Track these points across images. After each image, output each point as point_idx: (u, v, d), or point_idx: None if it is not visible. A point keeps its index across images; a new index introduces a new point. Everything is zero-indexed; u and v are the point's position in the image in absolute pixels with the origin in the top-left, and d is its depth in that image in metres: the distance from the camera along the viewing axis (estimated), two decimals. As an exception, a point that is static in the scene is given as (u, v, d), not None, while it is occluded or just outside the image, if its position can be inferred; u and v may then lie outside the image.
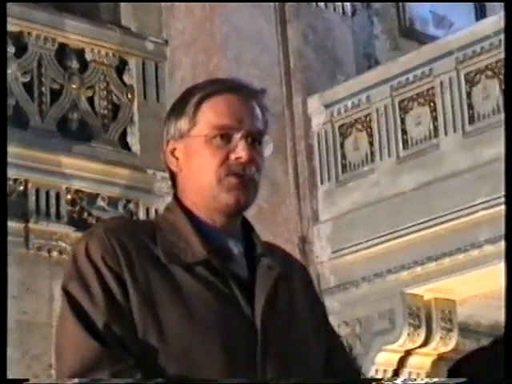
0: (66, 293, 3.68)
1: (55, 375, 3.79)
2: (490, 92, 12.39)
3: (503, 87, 12.08)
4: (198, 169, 3.82)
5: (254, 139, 3.76)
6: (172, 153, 3.85)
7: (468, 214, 11.98)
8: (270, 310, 3.77)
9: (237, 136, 3.74)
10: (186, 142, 3.84)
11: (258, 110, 3.85)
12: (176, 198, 3.90)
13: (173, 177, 3.92)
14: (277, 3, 13.75)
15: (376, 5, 14.66)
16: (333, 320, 12.84)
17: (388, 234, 12.66)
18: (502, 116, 12.03)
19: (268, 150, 3.76)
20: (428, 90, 12.78)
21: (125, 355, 3.64)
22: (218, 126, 3.74)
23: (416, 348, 12.79)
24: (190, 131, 3.81)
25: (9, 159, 11.82)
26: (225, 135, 3.75)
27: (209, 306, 3.71)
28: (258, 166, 3.78)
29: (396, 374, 12.94)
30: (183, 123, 3.83)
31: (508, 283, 5.95)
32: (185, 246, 3.77)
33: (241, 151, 3.71)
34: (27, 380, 4.34)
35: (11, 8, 12.50)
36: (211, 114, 3.80)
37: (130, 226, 4.04)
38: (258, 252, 3.84)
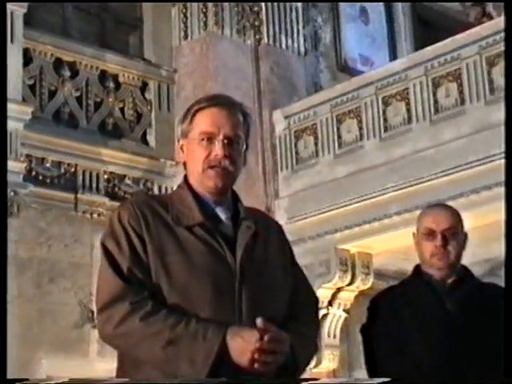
0: (103, 246, 4.01)
1: (95, 303, 4.05)
2: (399, 110, 12.53)
3: (407, 106, 12.56)
4: (193, 161, 4.11)
5: (231, 141, 4.05)
6: (181, 148, 4.19)
7: (382, 194, 12.22)
8: (246, 259, 3.98)
9: (217, 139, 4.03)
10: (187, 141, 4.13)
11: (237, 119, 4.11)
12: (185, 179, 4.19)
13: (183, 163, 4.22)
14: (253, 45, 13.99)
15: (321, 48, 14.83)
16: None
17: (327, 207, 12.89)
18: (408, 126, 12.52)
19: (242, 148, 4.10)
20: (356, 108, 12.92)
21: (141, 290, 3.89)
22: (204, 132, 4.04)
23: (344, 286, 13.06)
24: (189, 134, 4.10)
25: (65, 149, 12.31)
26: (209, 138, 4.03)
27: (202, 255, 3.94)
28: (232, 160, 4.05)
29: (330, 303, 13.19)
30: (185, 127, 4.13)
31: (507, 282, 5.29)
32: (187, 212, 4.02)
33: (218, 150, 4.01)
34: (27, 380, 3.89)
35: (66, 43, 12.91)
36: (200, 123, 4.08)
37: (149, 199, 4.42)
38: (241, 217, 4.11)
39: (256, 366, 3.79)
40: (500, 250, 13.28)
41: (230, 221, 4.14)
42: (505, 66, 5.48)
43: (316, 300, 4.41)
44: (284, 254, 4.31)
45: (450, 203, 11.20)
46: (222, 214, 4.13)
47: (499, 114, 11.42)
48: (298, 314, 4.11)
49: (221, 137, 4.07)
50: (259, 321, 3.78)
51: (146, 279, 3.94)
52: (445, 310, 5.16)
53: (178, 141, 4.26)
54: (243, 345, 3.79)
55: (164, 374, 3.88)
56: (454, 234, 5.19)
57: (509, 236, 5.47)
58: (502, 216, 11.86)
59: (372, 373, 5.27)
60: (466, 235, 5.30)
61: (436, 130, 12.14)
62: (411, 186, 11.95)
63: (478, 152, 11.57)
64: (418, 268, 5.34)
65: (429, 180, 11.81)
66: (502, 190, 11.33)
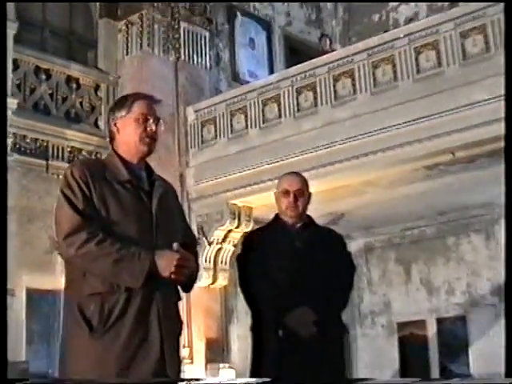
0: (62, 193, 3.99)
1: (55, 235, 4.02)
2: (273, 109, 12.55)
3: (278, 106, 12.68)
4: (129, 134, 4.15)
5: (158, 122, 4.19)
6: (115, 125, 4.19)
7: (260, 166, 12.29)
8: (159, 206, 4.11)
9: (151, 120, 4.16)
10: (123, 119, 4.16)
11: (156, 109, 4.26)
12: (113, 148, 4.24)
13: (111, 138, 4.25)
14: (174, 61, 13.96)
15: (222, 64, 14.91)
16: (194, 214, 13.36)
17: (222, 174, 12.95)
18: (279, 120, 12.60)
19: (162, 127, 4.24)
20: (243, 107, 12.93)
21: (94, 224, 3.92)
22: (143, 114, 4.14)
23: (233, 229, 13.06)
24: (127, 115, 4.14)
25: (40, 130, 12.36)
26: (145, 118, 4.15)
27: (130, 202, 4.03)
28: (157, 134, 4.19)
29: (223, 241, 13.18)
30: (123, 111, 4.16)
31: (507, 285, 5.39)
32: (118, 172, 4.09)
33: (152, 127, 4.15)
34: (27, 380, 3.91)
35: (43, 56, 12.92)
36: (139, 108, 4.15)
37: (92, 161, 4.54)
38: (154, 178, 4.21)
39: (173, 276, 3.96)
40: (338, 206, 13.57)
41: (147, 180, 4.21)
42: (505, 65, 5.40)
43: (195, 240, 4.58)
44: (178, 209, 4.44)
45: (305, 173, 11.52)
46: (142, 175, 4.20)
47: (342, 114, 11.71)
48: (189, 247, 4.18)
49: (153, 119, 4.19)
50: (175, 245, 3.97)
51: (95, 216, 3.96)
52: (294, 245, 5.23)
53: (111, 119, 4.25)
54: (166, 262, 3.93)
55: (105, 285, 3.93)
56: (302, 194, 5.33)
57: (509, 235, 5.52)
58: (341, 183, 12.15)
59: (244, 288, 5.33)
60: (310, 194, 5.42)
61: (297, 123, 12.30)
62: (280, 161, 12.04)
63: (324, 139, 11.77)
64: (276, 216, 5.46)
65: (292, 157, 11.95)
66: (340, 165, 11.72)
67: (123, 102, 4.28)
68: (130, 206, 4.05)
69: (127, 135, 4.18)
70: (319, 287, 5.08)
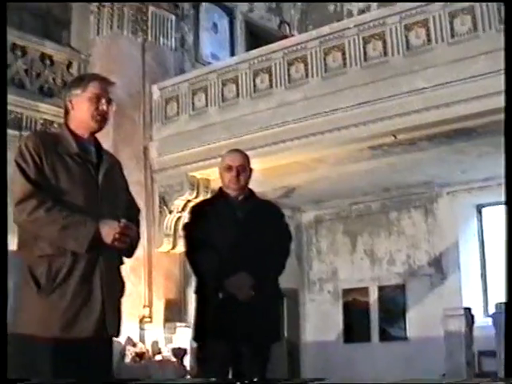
0: (16, 163, 3.99)
1: (12, 200, 3.99)
2: (232, 89, 12.55)
3: (237, 87, 12.71)
4: (82, 111, 4.15)
5: (109, 102, 4.20)
6: (70, 101, 4.19)
7: (218, 142, 12.10)
8: (105, 178, 4.14)
9: (103, 99, 4.17)
10: (78, 97, 4.16)
11: (110, 90, 4.25)
12: (66, 123, 4.24)
13: (65, 113, 4.25)
14: (141, 42, 13.80)
15: (186, 46, 14.71)
16: (156, 184, 13.35)
17: (183, 148, 12.90)
18: (237, 100, 12.63)
19: (113, 108, 4.22)
20: (205, 86, 12.90)
21: (44, 192, 3.95)
22: (96, 93, 4.14)
23: (192, 199, 12.90)
24: (82, 93, 4.14)
25: (15, 103, 12.00)
26: (98, 98, 4.15)
27: (78, 174, 4.06)
28: (109, 114, 4.20)
29: (182, 209, 13.06)
30: (79, 90, 4.17)
31: (508, 284, 5.27)
32: (69, 145, 4.10)
33: (104, 106, 4.17)
34: (28, 380, 3.77)
35: (20, 34, 12.71)
36: (94, 88, 4.16)
37: (45, 134, 4.53)
38: (102, 152, 4.24)
39: (116, 243, 3.99)
40: (290, 181, 13.65)
41: (95, 153, 4.23)
42: (505, 65, 5.37)
43: (138, 212, 4.54)
44: (124, 182, 4.44)
45: (259, 150, 11.58)
46: (91, 149, 4.22)
47: (295, 96, 11.76)
48: (132, 218, 4.23)
49: (105, 99, 4.20)
50: (123, 220, 4.03)
51: (46, 185, 3.99)
52: (236, 215, 5.32)
53: (67, 96, 4.27)
54: (109, 230, 3.96)
55: (53, 248, 3.97)
56: (244, 169, 5.40)
57: (509, 234, 5.51)
58: (293, 160, 12.20)
59: (189, 254, 5.39)
60: (251, 170, 5.48)
61: (254, 103, 12.33)
62: (237, 137, 12.07)
63: (278, 119, 11.83)
64: (220, 189, 5.53)
65: (246, 135, 12.00)
66: (292, 143, 11.78)
67: (80, 81, 4.30)
68: (78, 177, 4.06)
69: (80, 112, 4.18)
70: (257, 254, 5.15)
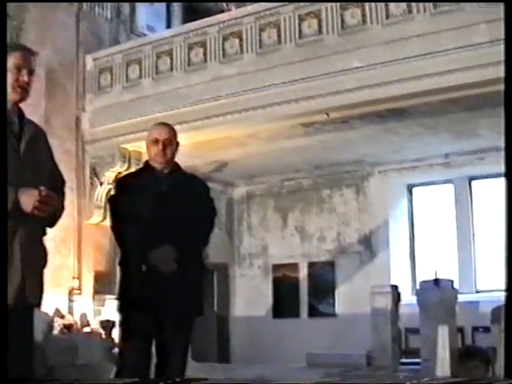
0: None
1: None
2: (166, 61, 12.53)
3: (170, 60, 12.68)
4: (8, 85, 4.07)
5: (32, 72, 4.16)
6: None
7: (151, 114, 11.99)
8: (27, 147, 4.12)
9: (24, 70, 4.11)
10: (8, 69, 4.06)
11: (33, 59, 4.21)
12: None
13: None
14: (76, 11, 13.60)
15: (122, 17, 14.48)
16: (88, 156, 13.26)
17: (115, 120, 12.86)
18: (171, 73, 12.65)
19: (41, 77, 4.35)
20: (139, 58, 12.90)
21: None
22: (16, 64, 4.07)
23: (123, 171, 12.65)
24: (8, 64, 4.03)
25: None
26: (19, 68, 4.09)
27: (10, 142, 4.01)
28: (30, 85, 4.17)
29: (114, 182, 12.50)
30: (8, 62, 4.05)
31: (508, 284, 5.14)
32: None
33: (25, 77, 4.12)
34: (27, 380, 3.83)
35: None
36: (14, 58, 4.08)
37: None
38: (25, 122, 4.19)
39: (35, 212, 3.96)
40: (222, 155, 13.68)
41: (18, 124, 4.20)
42: (505, 65, 5.28)
43: (64, 182, 4.53)
44: (48, 152, 4.40)
45: (191, 123, 11.61)
46: (13, 119, 4.18)
47: (229, 71, 11.79)
48: (56, 188, 4.22)
49: (27, 69, 4.15)
50: (42, 188, 3.98)
51: None
52: (161, 188, 5.29)
53: None
54: (28, 199, 3.93)
55: None
56: (170, 142, 5.38)
57: (509, 232, 5.25)
58: (225, 134, 12.24)
59: (114, 227, 5.38)
60: (178, 144, 5.48)
61: (187, 76, 12.34)
62: (170, 110, 12.04)
63: (211, 93, 11.84)
64: (146, 162, 5.52)
65: (179, 108, 12.00)
66: (224, 118, 11.81)
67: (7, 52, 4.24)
68: (9, 144, 4.04)
69: (8, 85, 4.13)
70: (182, 228, 5.14)
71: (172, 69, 12.51)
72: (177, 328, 5.21)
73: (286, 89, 11.08)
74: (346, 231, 15.89)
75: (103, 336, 12.25)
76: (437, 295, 11.51)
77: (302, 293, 16.22)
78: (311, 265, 16.18)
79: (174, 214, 5.17)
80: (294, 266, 16.35)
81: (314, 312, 16.01)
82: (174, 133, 5.45)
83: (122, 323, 5.41)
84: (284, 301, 16.40)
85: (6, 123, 4.10)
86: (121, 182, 5.60)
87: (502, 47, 9.06)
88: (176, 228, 5.12)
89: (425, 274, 13.76)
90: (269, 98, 11.27)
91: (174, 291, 5.07)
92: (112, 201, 5.50)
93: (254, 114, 11.46)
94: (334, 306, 15.76)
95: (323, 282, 15.96)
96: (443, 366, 10.15)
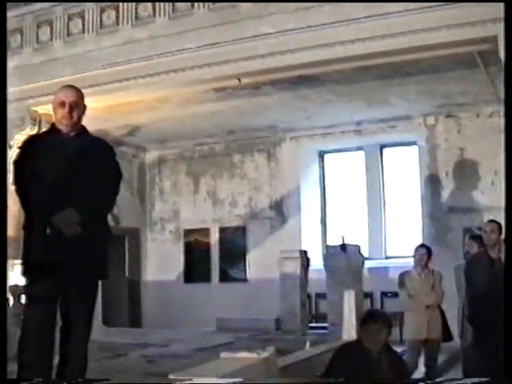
0: None
1: None
2: (77, 23, 12.24)
3: (84, 23, 12.47)
4: None
5: None
6: None
7: (62, 77, 11.56)
8: None
9: None
10: None
11: None
12: None
13: None
14: None
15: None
16: None
17: (26, 83, 12.48)
18: (83, 35, 12.40)
19: None
20: (50, 19, 12.53)
21: None
22: None
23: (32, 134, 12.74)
24: None
25: None
26: None
27: None
28: None
29: None
30: None
31: (506, 283, 5.23)
32: None
33: None
34: (28, 380, 3.79)
35: None
36: None
37: None
38: None
39: None
40: (134, 119, 13.56)
41: None
42: (504, 65, 5.20)
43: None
44: None
45: (103, 86, 11.49)
46: None
47: (141, 34, 11.65)
48: None
49: None
50: None
51: None
52: (66, 151, 5.24)
53: None
54: None
55: None
56: (77, 105, 5.34)
57: (509, 230, 5.37)
58: (137, 98, 12.15)
59: (18, 189, 5.35)
60: (85, 107, 5.43)
61: (99, 39, 12.07)
62: (81, 73, 11.87)
63: (123, 56, 11.71)
64: (53, 125, 5.46)
65: (91, 71, 11.84)
66: (136, 81, 11.70)
67: None
68: None
69: None
70: (86, 191, 5.13)
71: (84, 31, 12.25)
72: (81, 291, 5.20)
73: (198, 53, 11.00)
74: (258, 197, 16.02)
75: (12, 302, 12.11)
76: (343, 260, 11.73)
77: (213, 258, 16.31)
78: (223, 230, 16.28)
79: (79, 177, 5.14)
80: (206, 231, 16.43)
81: (225, 277, 16.13)
82: (81, 95, 5.40)
83: (26, 287, 5.38)
84: (195, 266, 16.49)
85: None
86: (25, 144, 5.49)
87: (413, 17, 9.42)
88: (81, 191, 5.10)
89: (335, 239, 14.00)
90: (181, 62, 11.20)
91: (78, 255, 5.06)
92: (16, 163, 5.40)
93: (166, 78, 11.38)
94: (245, 271, 15.90)
95: (234, 247, 16.07)
96: (349, 329, 10.40)
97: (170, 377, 4.40)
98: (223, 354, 5.28)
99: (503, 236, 8.59)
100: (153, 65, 11.41)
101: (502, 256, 7.65)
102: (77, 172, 5.15)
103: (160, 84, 11.55)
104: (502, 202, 13.60)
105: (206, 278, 16.27)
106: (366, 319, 6.13)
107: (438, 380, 4.68)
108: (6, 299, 3.75)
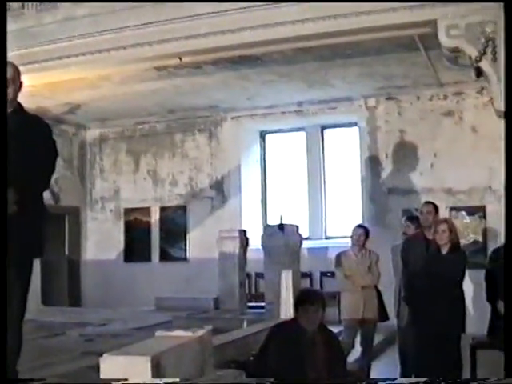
0: None
1: None
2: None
3: None
4: None
5: None
6: None
7: (11, 52, 11.78)
8: None
9: None
10: None
11: None
12: None
13: None
14: None
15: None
16: None
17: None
18: (26, 10, 12.21)
19: None
20: None
21: None
22: None
23: None
24: None
25: None
26: None
27: None
28: None
29: None
30: None
31: (506, 283, 5.20)
32: None
33: None
34: (27, 380, 3.71)
35: None
36: None
37: None
38: None
39: None
40: (75, 97, 13.39)
41: None
42: (504, 65, 5.14)
43: None
44: None
45: (43, 64, 11.35)
46: None
47: (81, 11, 11.51)
48: None
49: None
50: None
51: None
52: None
53: None
54: None
55: None
56: (13, 82, 5.36)
57: (508, 230, 5.34)
58: (77, 76, 12.03)
59: None
60: (21, 83, 5.38)
61: (39, 16, 11.88)
62: (20, 50, 11.52)
63: (63, 33, 11.55)
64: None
65: (31, 47, 11.55)
66: (77, 59, 11.58)
67: None
68: None
69: None
70: (22, 169, 5.07)
71: (23, 7, 12.05)
72: (16, 269, 5.14)
73: (139, 31, 10.91)
74: (198, 176, 16.03)
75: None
76: (281, 240, 11.81)
77: (153, 237, 16.29)
78: (163, 209, 16.26)
79: (14, 155, 5.03)
80: (146, 210, 16.39)
81: (165, 256, 16.11)
82: (17, 72, 5.37)
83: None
84: (135, 245, 16.45)
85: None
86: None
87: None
88: (17, 170, 5.01)
89: (276, 220, 14.08)
90: (122, 40, 11.09)
91: (14, 233, 5.00)
92: None
93: (107, 56, 11.28)
94: (185, 250, 15.91)
95: (175, 226, 16.07)
96: (286, 308, 10.49)
97: (104, 355, 4.39)
98: (158, 333, 5.28)
99: (440, 217, 8.83)
100: (93, 42, 11.27)
101: (437, 237, 7.83)
102: (12, 150, 5.03)
103: (101, 62, 11.43)
104: (441, 184, 13.80)
105: (147, 258, 16.24)
106: (301, 299, 6.17)
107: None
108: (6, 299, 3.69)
